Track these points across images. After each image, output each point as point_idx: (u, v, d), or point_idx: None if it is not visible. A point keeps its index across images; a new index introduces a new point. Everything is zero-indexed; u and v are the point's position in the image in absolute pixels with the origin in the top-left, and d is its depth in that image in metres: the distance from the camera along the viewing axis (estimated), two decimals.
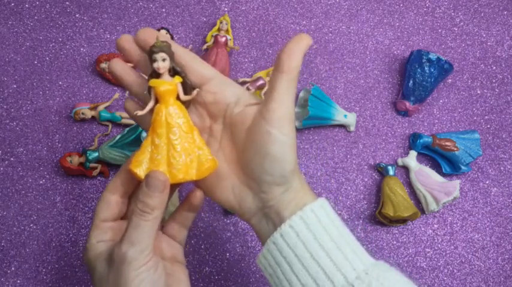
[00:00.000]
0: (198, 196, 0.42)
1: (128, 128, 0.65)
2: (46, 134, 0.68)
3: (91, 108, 0.67)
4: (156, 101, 0.39)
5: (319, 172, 0.69)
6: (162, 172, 0.38)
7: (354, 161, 0.70)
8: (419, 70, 0.69)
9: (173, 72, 0.38)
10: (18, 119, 0.68)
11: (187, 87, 0.39)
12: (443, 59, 0.69)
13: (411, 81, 0.70)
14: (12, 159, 0.66)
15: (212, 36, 0.71)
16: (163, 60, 0.38)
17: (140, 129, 0.64)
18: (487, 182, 0.71)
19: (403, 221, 0.66)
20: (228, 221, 0.65)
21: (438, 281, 0.66)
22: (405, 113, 0.72)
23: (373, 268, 0.36)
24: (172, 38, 0.72)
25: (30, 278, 0.61)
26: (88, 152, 0.64)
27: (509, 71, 0.76)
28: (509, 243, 0.68)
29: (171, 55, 0.38)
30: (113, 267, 0.37)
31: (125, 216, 0.43)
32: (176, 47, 0.39)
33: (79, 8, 0.74)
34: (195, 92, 0.39)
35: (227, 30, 0.72)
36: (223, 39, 0.70)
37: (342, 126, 0.71)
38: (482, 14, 0.79)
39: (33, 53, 0.71)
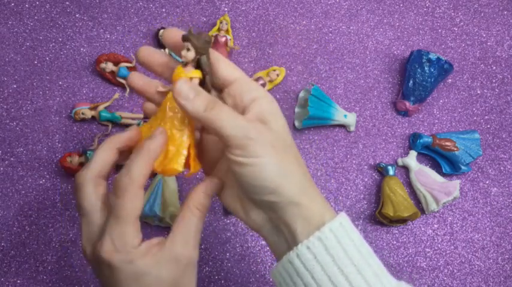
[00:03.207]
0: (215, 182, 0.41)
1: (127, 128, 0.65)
2: (46, 134, 0.68)
3: (91, 108, 0.67)
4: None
5: (319, 172, 0.69)
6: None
7: (354, 161, 0.70)
8: (419, 70, 0.69)
9: (196, 65, 0.37)
10: (18, 119, 0.68)
11: (206, 86, 0.37)
12: (443, 59, 0.69)
13: (411, 81, 0.70)
14: (12, 159, 0.66)
15: (212, 36, 0.71)
16: (188, 50, 0.36)
17: None
18: (487, 182, 0.71)
19: (403, 221, 0.66)
20: (228, 221, 0.65)
21: (438, 281, 0.66)
22: (405, 113, 0.72)
23: None
24: None
25: (30, 278, 0.61)
26: (88, 152, 0.64)
27: (509, 71, 0.76)
28: (509, 243, 0.68)
29: (198, 49, 0.36)
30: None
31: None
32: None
33: (79, 8, 0.74)
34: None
35: (227, 30, 0.72)
36: (223, 39, 0.70)
37: (342, 126, 0.71)
38: (482, 14, 0.79)
39: (33, 53, 0.71)
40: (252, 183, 0.35)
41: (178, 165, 0.36)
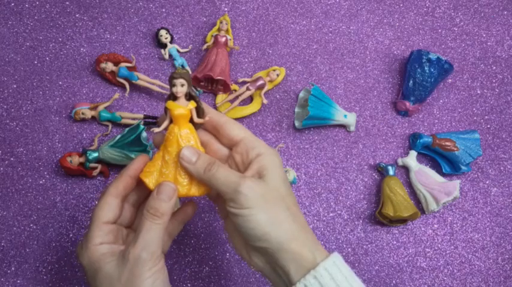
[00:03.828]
0: (191, 209, 0.49)
1: (128, 128, 0.65)
2: (46, 134, 0.68)
3: (91, 108, 0.67)
4: (171, 121, 0.43)
5: (319, 172, 0.69)
6: (171, 182, 0.43)
7: (354, 161, 0.70)
8: (419, 70, 0.69)
9: (189, 97, 0.43)
10: (18, 119, 0.68)
11: (200, 111, 0.44)
12: (443, 59, 0.69)
13: (411, 81, 0.70)
14: (12, 159, 0.66)
15: (212, 36, 0.71)
16: (182, 85, 0.42)
17: (140, 129, 0.64)
18: (487, 182, 0.71)
19: (403, 221, 0.66)
20: None
21: (438, 281, 0.66)
22: (405, 113, 0.72)
23: None
24: (172, 38, 0.72)
25: (30, 278, 0.61)
26: (88, 152, 0.64)
27: (509, 71, 0.76)
28: (509, 243, 0.68)
29: (189, 82, 0.42)
30: (126, 268, 0.40)
31: (118, 220, 0.46)
32: (210, 110, 0.45)
33: (79, 8, 0.74)
34: (207, 118, 0.44)
35: (227, 30, 0.72)
36: (223, 39, 0.70)
37: (342, 126, 0.71)
38: (482, 14, 0.79)
39: (33, 53, 0.71)
40: (244, 231, 0.41)
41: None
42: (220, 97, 0.70)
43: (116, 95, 0.68)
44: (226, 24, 0.71)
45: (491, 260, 0.67)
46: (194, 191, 0.44)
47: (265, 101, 0.69)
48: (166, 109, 0.43)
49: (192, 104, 0.43)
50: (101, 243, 0.42)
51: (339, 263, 0.41)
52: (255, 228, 0.40)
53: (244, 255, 0.44)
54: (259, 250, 0.42)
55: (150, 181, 0.43)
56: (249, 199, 0.40)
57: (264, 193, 0.41)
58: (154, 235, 0.41)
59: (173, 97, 0.43)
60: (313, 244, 0.42)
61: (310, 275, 0.39)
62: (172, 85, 0.42)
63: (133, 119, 0.67)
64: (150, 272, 0.40)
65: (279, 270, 0.41)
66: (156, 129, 0.44)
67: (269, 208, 0.40)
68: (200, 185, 0.44)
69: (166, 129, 0.44)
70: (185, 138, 0.43)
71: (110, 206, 0.43)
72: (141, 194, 0.47)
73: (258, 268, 0.43)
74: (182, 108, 0.42)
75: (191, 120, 0.44)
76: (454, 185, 0.66)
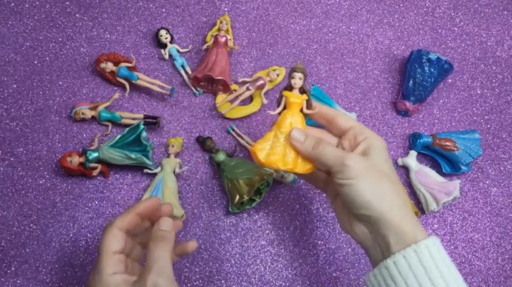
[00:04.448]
0: (191, 247, 0.51)
1: (128, 128, 0.65)
2: (46, 134, 0.68)
3: (91, 108, 0.67)
4: (284, 107, 0.51)
5: None
6: (169, 220, 0.46)
7: None
8: (419, 70, 0.69)
9: (302, 91, 0.50)
10: (18, 119, 0.68)
11: (309, 104, 0.50)
12: (443, 59, 0.69)
13: (411, 81, 0.70)
14: (12, 159, 0.66)
15: (212, 36, 0.71)
16: (300, 79, 0.49)
17: (140, 129, 0.64)
18: (487, 182, 0.71)
19: None
20: (228, 221, 0.65)
21: None
22: (405, 113, 0.72)
23: None
24: (172, 38, 0.72)
25: (30, 278, 0.61)
26: (88, 152, 0.64)
27: (509, 71, 0.76)
28: (509, 243, 0.68)
29: (306, 76, 0.50)
30: None
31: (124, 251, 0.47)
32: (321, 105, 0.51)
33: (79, 8, 0.74)
34: (316, 110, 0.51)
35: (227, 30, 0.72)
36: (223, 39, 0.70)
37: None
38: (482, 14, 0.79)
39: (33, 53, 0.71)
40: (349, 199, 0.45)
41: (312, 166, 0.49)
42: (220, 97, 0.70)
43: (116, 95, 0.68)
44: (226, 24, 0.71)
45: (491, 260, 0.67)
46: (299, 168, 0.49)
47: (265, 101, 0.69)
48: (281, 97, 0.51)
49: (305, 97, 0.50)
50: (114, 273, 0.43)
51: (439, 245, 0.43)
52: (359, 195, 0.44)
53: (347, 228, 0.48)
54: (362, 220, 0.45)
55: (261, 155, 0.49)
56: (354, 170, 0.44)
57: (367, 166, 0.45)
58: (166, 260, 0.43)
59: (290, 88, 0.50)
60: (415, 222, 0.44)
61: (411, 249, 0.41)
62: (291, 77, 0.50)
63: (133, 119, 0.67)
64: None
65: (380, 240, 0.44)
66: (272, 112, 0.51)
67: (372, 180, 0.44)
68: (305, 164, 0.49)
69: (279, 114, 0.51)
70: (296, 122, 0.50)
71: (117, 238, 0.45)
72: (142, 229, 0.50)
73: (359, 239, 0.47)
74: (297, 97, 0.50)
75: (301, 111, 0.51)
76: (454, 185, 0.66)
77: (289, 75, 0.50)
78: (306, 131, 0.49)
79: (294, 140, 0.49)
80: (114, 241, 0.44)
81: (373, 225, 0.44)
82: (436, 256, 0.41)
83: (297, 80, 0.50)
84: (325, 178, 0.53)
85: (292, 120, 0.50)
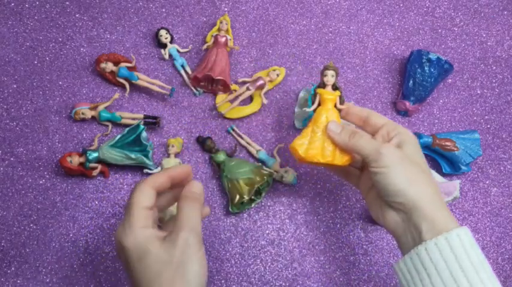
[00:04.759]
0: (206, 212, 0.50)
1: (128, 128, 0.65)
2: (46, 134, 0.68)
3: (91, 108, 0.67)
4: (319, 104, 0.54)
5: (319, 172, 0.69)
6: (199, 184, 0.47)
7: None
8: (419, 70, 0.69)
9: (334, 87, 0.54)
10: (18, 119, 0.68)
11: (342, 100, 0.54)
12: (443, 59, 0.69)
13: (411, 81, 0.70)
14: (12, 159, 0.66)
15: (212, 36, 0.71)
16: (332, 76, 0.54)
17: (140, 129, 0.64)
18: (487, 182, 0.71)
19: None
20: (228, 221, 0.65)
21: None
22: (405, 113, 0.72)
23: None
24: (172, 38, 0.72)
25: (30, 278, 0.61)
26: (88, 152, 0.64)
27: (509, 71, 0.76)
28: (509, 243, 0.68)
29: (337, 74, 0.54)
30: (177, 251, 0.41)
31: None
32: (353, 106, 0.55)
33: (79, 8, 0.74)
34: (351, 104, 0.55)
35: (227, 30, 0.72)
36: (223, 39, 0.70)
37: None
38: (482, 14, 0.79)
39: (33, 53, 0.71)
40: (383, 187, 0.47)
41: (348, 158, 0.53)
42: (220, 97, 0.70)
43: (116, 95, 0.68)
44: (226, 24, 0.71)
45: (491, 260, 0.67)
46: (338, 160, 0.52)
47: (265, 101, 0.69)
48: (316, 94, 0.54)
49: (337, 93, 0.54)
50: (145, 227, 0.43)
51: (470, 235, 0.44)
52: (393, 183, 0.46)
53: (380, 217, 0.50)
54: (395, 208, 0.47)
55: (301, 149, 0.53)
56: (389, 158, 0.47)
57: (401, 156, 0.48)
58: (197, 219, 0.43)
59: (323, 85, 0.54)
60: (446, 211, 0.46)
61: (442, 237, 0.43)
62: (324, 75, 0.54)
63: (133, 119, 0.67)
64: (197, 256, 0.42)
65: (412, 228, 0.46)
66: (308, 109, 0.55)
67: (406, 169, 0.47)
68: (343, 156, 0.52)
69: (314, 111, 0.54)
70: (331, 117, 0.53)
71: (149, 194, 0.44)
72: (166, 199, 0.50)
73: (391, 227, 0.48)
74: (330, 94, 0.54)
75: (335, 106, 0.54)
76: (454, 185, 0.66)
77: (322, 74, 0.54)
78: (340, 125, 0.53)
79: (331, 131, 0.52)
80: (146, 197, 0.44)
81: (406, 213, 0.46)
82: (467, 245, 0.42)
83: (330, 78, 0.54)
84: (358, 173, 0.56)
85: (327, 115, 0.53)
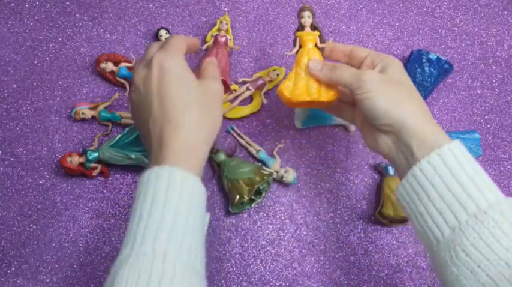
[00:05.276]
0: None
1: (128, 128, 0.65)
2: (46, 134, 0.68)
3: (91, 108, 0.67)
4: (300, 47, 0.55)
5: (319, 172, 0.69)
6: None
7: (354, 161, 0.70)
8: (419, 70, 0.69)
9: (313, 27, 0.54)
10: (18, 119, 0.68)
11: (321, 38, 0.55)
12: (443, 59, 0.69)
13: None
14: (12, 159, 0.66)
15: (212, 36, 0.71)
16: (308, 17, 0.54)
17: None
18: None
19: (403, 221, 0.65)
20: (228, 221, 0.65)
21: (438, 281, 0.66)
22: None
23: (505, 201, 0.40)
24: None
25: (30, 278, 0.61)
26: (88, 152, 0.64)
27: (509, 71, 0.76)
28: None
29: (313, 14, 0.54)
30: (208, 93, 0.47)
31: None
32: (336, 45, 0.55)
33: (79, 8, 0.74)
34: (331, 41, 0.56)
35: (227, 30, 0.72)
36: (223, 39, 0.70)
37: (342, 126, 0.71)
38: (482, 14, 0.79)
39: (33, 53, 0.71)
40: (370, 112, 0.47)
41: (334, 94, 0.52)
42: None
43: (116, 95, 0.68)
44: (226, 24, 0.71)
45: None
46: (324, 97, 0.52)
47: (265, 101, 0.69)
48: (296, 38, 0.54)
49: (317, 33, 0.54)
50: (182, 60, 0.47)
51: (462, 148, 0.43)
52: (379, 106, 0.46)
53: (373, 144, 0.50)
54: (385, 131, 0.48)
55: (286, 92, 0.53)
56: (371, 83, 0.47)
57: (384, 79, 0.48)
58: (220, 78, 0.51)
59: (301, 28, 0.54)
60: (436, 127, 0.46)
61: (434, 153, 0.42)
62: (300, 17, 0.54)
63: None
64: (221, 105, 0.49)
65: (403, 147, 0.46)
66: (288, 53, 0.55)
67: (390, 90, 0.47)
68: (328, 91, 0.52)
69: (296, 53, 0.55)
70: (312, 55, 0.53)
71: (184, 42, 0.49)
72: None
73: (384, 152, 0.49)
74: (310, 34, 0.54)
75: (316, 46, 0.54)
76: None
77: (299, 16, 0.54)
78: (321, 61, 0.53)
79: (312, 69, 0.52)
80: (181, 42, 0.48)
81: (396, 134, 0.46)
82: (460, 157, 0.42)
83: (306, 19, 0.54)
84: (352, 109, 0.56)
85: (309, 55, 0.53)
